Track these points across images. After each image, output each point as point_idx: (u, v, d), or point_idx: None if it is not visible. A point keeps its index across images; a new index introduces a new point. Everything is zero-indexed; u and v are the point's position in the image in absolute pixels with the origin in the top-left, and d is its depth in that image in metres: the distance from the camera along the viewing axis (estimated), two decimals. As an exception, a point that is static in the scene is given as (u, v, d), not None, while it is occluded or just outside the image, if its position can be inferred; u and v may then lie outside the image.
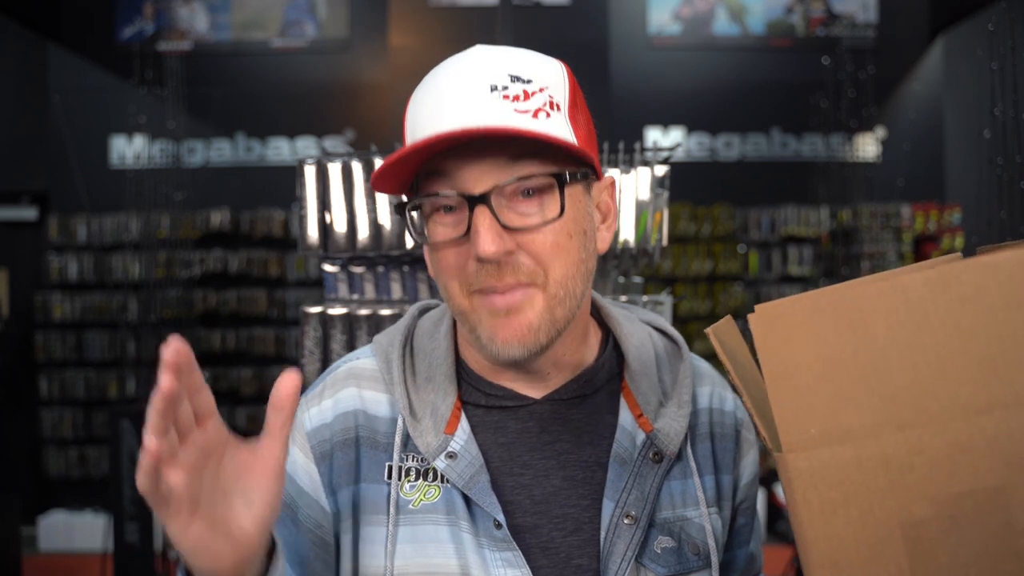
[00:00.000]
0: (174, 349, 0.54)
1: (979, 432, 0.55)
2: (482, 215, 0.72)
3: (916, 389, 0.56)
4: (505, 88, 0.72)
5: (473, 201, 0.72)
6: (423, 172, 0.76)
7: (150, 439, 0.54)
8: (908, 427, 0.56)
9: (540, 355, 0.77)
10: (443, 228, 0.75)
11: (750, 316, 0.59)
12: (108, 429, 3.38)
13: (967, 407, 0.56)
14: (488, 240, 0.71)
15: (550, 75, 0.76)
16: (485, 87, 0.72)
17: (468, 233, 0.72)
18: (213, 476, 0.59)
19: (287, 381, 0.60)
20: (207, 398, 0.59)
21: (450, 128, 0.70)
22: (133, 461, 3.30)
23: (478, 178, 0.72)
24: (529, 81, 0.74)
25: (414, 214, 0.79)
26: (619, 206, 1.45)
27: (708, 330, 0.67)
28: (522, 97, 0.73)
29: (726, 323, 0.69)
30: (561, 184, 0.74)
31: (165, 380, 0.54)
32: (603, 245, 0.82)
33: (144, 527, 3.29)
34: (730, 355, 0.67)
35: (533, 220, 0.74)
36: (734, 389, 0.66)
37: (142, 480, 0.55)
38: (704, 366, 0.93)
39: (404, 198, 0.79)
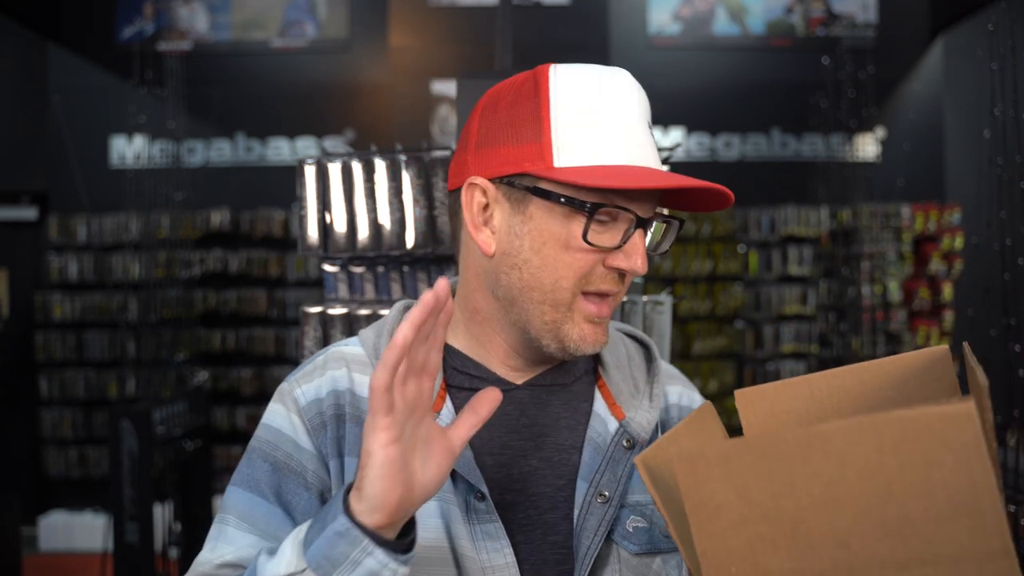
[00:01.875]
0: (440, 295, 0.64)
1: None
2: (641, 237, 0.83)
3: (833, 539, 0.55)
4: (650, 128, 0.86)
5: (642, 223, 0.82)
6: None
7: (407, 330, 0.63)
8: None
9: None
10: (597, 235, 0.82)
11: (675, 458, 0.59)
12: (108, 429, 3.37)
13: (885, 562, 0.54)
14: (644, 260, 0.83)
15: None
16: (646, 123, 0.85)
17: (620, 246, 0.82)
18: (411, 429, 0.68)
19: (491, 396, 0.72)
20: (437, 359, 0.69)
21: (659, 178, 0.80)
22: (133, 461, 3.30)
23: (645, 206, 0.83)
24: (651, 126, 0.87)
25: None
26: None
27: (637, 459, 0.67)
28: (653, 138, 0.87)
29: (655, 450, 0.69)
30: (680, 227, 0.88)
31: (428, 298, 0.64)
32: None
33: (144, 527, 3.28)
34: (659, 483, 0.67)
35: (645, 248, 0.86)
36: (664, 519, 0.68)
37: (383, 373, 0.63)
38: (673, 369, 1.03)
39: (584, 201, 0.81)
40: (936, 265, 5.21)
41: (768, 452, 0.56)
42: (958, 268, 5.21)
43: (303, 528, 0.71)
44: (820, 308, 5.12)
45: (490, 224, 0.86)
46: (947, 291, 5.21)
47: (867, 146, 5.05)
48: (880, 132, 5.52)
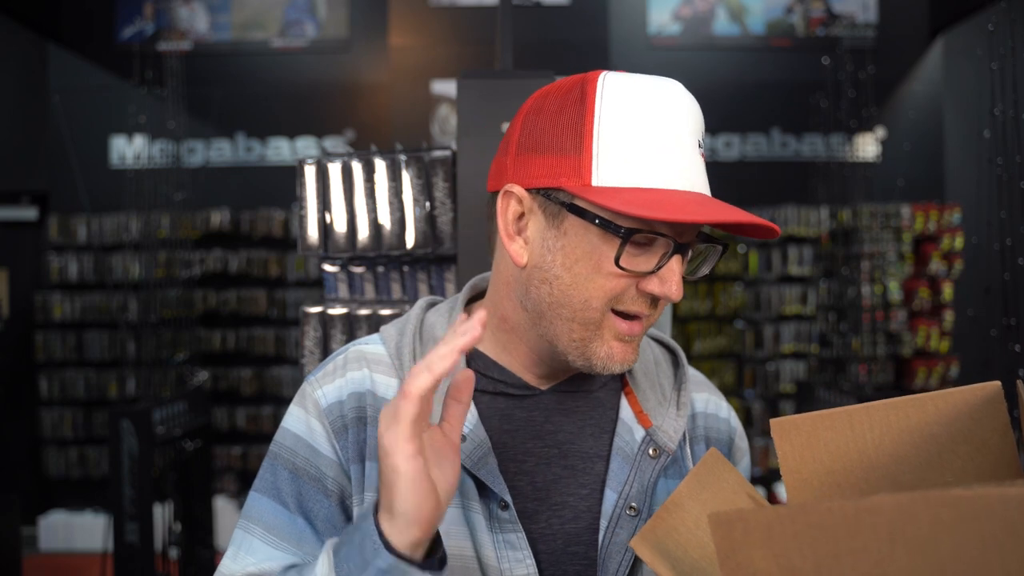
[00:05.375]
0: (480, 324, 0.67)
1: None
2: (678, 263, 0.79)
3: None
4: (700, 148, 0.80)
5: (680, 248, 0.78)
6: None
7: (456, 353, 0.66)
8: None
9: None
10: (631, 258, 0.78)
11: (710, 518, 0.56)
12: (108, 429, 3.37)
13: None
14: (679, 287, 0.79)
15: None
16: (696, 141, 0.79)
17: (655, 271, 0.78)
18: (425, 438, 0.70)
19: (465, 377, 0.72)
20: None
21: (703, 212, 0.75)
22: (133, 461, 3.30)
23: (685, 231, 0.79)
24: (701, 145, 0.81)
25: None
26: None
27: (633, 541, 0.65)
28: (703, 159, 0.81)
29: (656, 521, 0.67)
30: (723, 252, 0.84)
31: (479, 332, 0.66)
32: None
33: (144, 527, 3.28)
34: (666, 557, 0.64)
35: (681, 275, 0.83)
36: None
37: (428, 381, 0.65)
38: (700, 375, 0.99)
39: (620, 225, 0.78)
40: (936, 265, 5.21)
41: (813, 523, 0.52)
42: (958, 268, 5.21)
43: (333, 551, 0.71)
44: (820, 308, 5.12)
45: (524, 234, 0.82)
46: (947, 291, 5.21)
47: (867, 146, 5.05)
48: (880, 132, 5.52)
